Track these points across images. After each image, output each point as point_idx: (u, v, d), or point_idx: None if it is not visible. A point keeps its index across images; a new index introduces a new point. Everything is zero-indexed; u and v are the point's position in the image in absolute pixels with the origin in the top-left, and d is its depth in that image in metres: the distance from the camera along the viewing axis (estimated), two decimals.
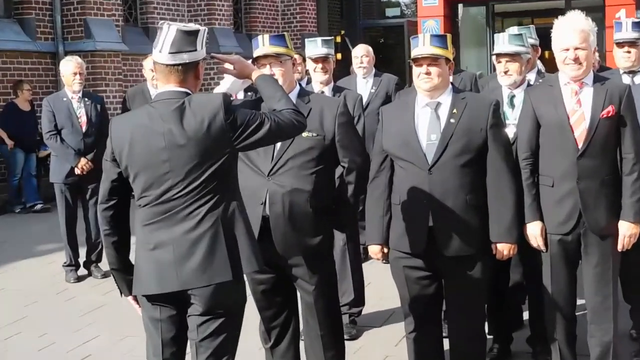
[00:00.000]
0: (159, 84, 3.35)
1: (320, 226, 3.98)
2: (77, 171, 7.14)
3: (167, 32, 3.21)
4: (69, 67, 7.21)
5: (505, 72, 4.70)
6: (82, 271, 7.38)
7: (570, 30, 3.92)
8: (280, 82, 3.86)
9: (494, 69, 5.38)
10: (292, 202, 3.84)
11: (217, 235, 3.18)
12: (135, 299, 3.39)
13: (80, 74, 7.22)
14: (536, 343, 4.76)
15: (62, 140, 7.15)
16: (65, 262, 7.35)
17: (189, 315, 3.23)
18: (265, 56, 4.02)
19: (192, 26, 3.29)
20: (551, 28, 4.10)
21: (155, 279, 3.20)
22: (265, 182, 3.86)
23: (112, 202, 3.33)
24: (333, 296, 4.18)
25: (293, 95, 4.00)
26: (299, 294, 4.12)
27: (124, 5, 14.50)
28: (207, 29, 3.52)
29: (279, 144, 3.80)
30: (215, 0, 15.72)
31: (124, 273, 3.40)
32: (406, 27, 19.71)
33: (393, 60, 19.74)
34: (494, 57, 4.86)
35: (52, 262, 7.81)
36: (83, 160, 7.14)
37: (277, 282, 4.04)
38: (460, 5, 18.36)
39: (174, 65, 3.21)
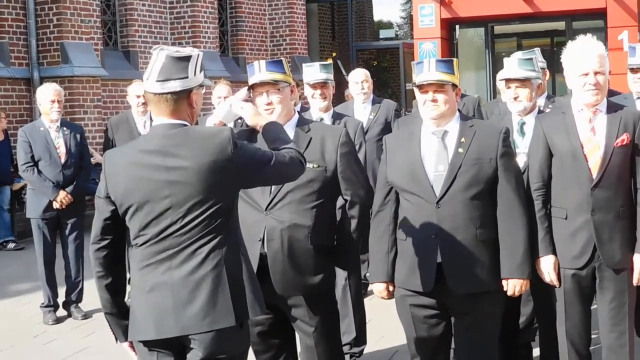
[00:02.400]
0: (153, 115, 3.34)
1: (322, 264, 4.00)
2: (56, 205, 7.11)
3: (157, 59, 3.18)
4: (47, 95, 7.19)
5: (515, 98, 4.76)
6: (61, 312, 7.34)
7: (589, 54, 3.97)
8: (278, 110, 3.94)
9: (494, 93, 5.46)
10: (291, 238, 3.86)
11: (220, 277, 3.14)
12: (132, 344, 3.36)
13: (58, 101, 7.19)
14: None
15: (39, 172, 7.12)
16: (43, 303, 7.30)
17: None
18: (262, 84, 4.01)
19: (185, 51, 3.23)
20: (550, 49, 4.15)
21: (153, 324, 3.16)
22: (263, 217, 3.87)
23: (105, 242, 3.27)
24: (335, 337, 4.19)
25: (292, 124, 4.04)
26: (297, 336, 4.13)
27: (104, 28, 14.59)
28: (202, 53, 3.36)
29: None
30: (200, 23, 15.76)
31: (119, 318, 3.36)
32: (402, 49, 19.82)
33: (388, 83, 19.93)
34: (501, 83, 4.90)
35: (28, 303, 7.76)
36: (62, 194, 7.11)
37: (274, 323, 4.06)
38: (457, 27, 18.55)
39: (162, 94, 3.16)
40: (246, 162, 3.19)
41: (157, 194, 3.13)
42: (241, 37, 17.77)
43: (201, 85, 3.30)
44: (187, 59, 3.19)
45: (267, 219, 3.87)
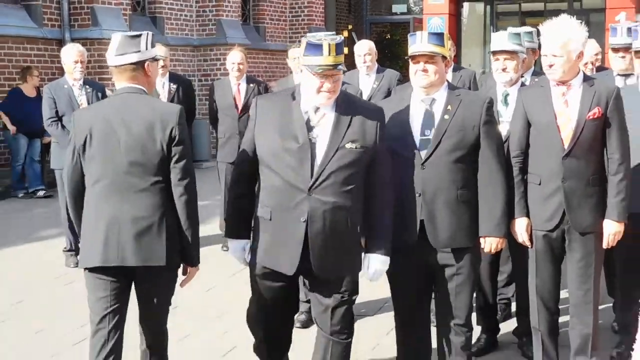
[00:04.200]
0: (116, 82, 3.75)
1: (358, 246, 3.85)
2: None
3: (116, 39, 3.66)
4: (71, 55, 7.21)
5: (503, 70, 4.76)
6: None
7: (551, 37, 3.99)
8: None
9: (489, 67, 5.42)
10: (333, 219, 3.60)
11: (161, 224, 3.59)
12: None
13: (81, 62, 7.20)
14: (522, 334, 4.86)
15: (63, 127, 7.13)
16: (65, 247, 7.39)
17: None
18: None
19: (136, 32, 3.72)
20: None
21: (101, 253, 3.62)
22: (306, 198, 3.56)
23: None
24: (352, 303, 4.10)
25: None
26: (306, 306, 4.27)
27: None
28: (151, 33, 3.78)
29: (319, 157, 3.56)
30: None
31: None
32: (412, 23, 19.79)
33: (399, 56, 19.82)
34: (491, 55, 4.90)
35: (53, 247, 7.86)
36: None
37: (287, 294, 3.91)
38: (465, 4, 18.42)
39: (122, 65, 3.63)
40: (178, 145, 3.59)
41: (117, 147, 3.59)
42: (262, 7, 17.75)
43: (155, 59, 3.76)
44: (138, 36, 3.66)
45: (310, 200, 3.57)
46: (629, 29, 5.00)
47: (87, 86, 7.34)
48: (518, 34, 4.85)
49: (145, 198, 3.57)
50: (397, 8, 21.42)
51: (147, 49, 3.65)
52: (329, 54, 3.54)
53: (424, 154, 3.90)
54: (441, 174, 3.88)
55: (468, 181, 3.91)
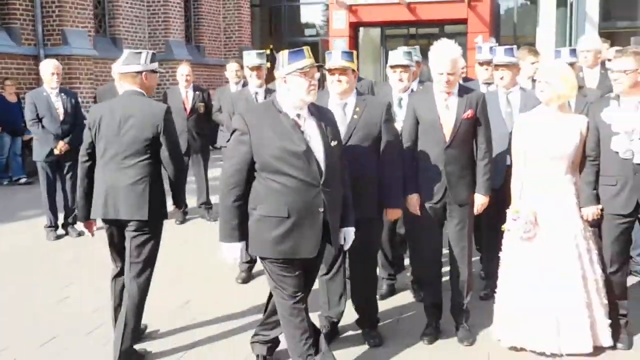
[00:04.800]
0: (123, 85, 4.05)
1: None
2: (56, 152, 6.96)
3: (124, 54, 3.99)
4: (48, 68, 6.98)
5: (399, 80, 4.82)
6: (60, 232, 7.24)
7: (443, 58, 3.92)
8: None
9: (385, 78, 5.43)
10: (338, 204, 3.49)
11: (145, 187, 3.83)
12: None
13: (57, 74, 6.99)
14: (414, 282, 4.94)
15: (43, 127, 6.94)
16: (46, 224, 7.20)
17: None
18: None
19: (140, 50, 4.01)
20: (427, 48, 4.12)
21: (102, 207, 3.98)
22: (320, 191, 3.32)
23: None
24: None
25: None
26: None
27: (95, 18, 14.09)
28: (151, 51, 4.06)
29: (319, 155, 3.34)
30: (170, 18, 15.43)
31: None
32: (320, 44, 19.85)
33: None
34: (389, 68, 4.92)
35: (35, 225, 7.61)
36: (61, 143, 6.96)
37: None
38: (362, 29, 18.62)
39: (127, 72, 3.93)
40: (165, 135, 3.84)
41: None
42: (201, 30, 17.44)
43: (153, 71, 4.00)
44: (139, 53, 3.97)
45: (322, 193, 3.32)
46: (490, 48, 5.14)
47: (62, 94, 7.11)
48: (410, 52, 4.90)
49: (135, 170, 3.83)
50: (308, 32, 21.49)
51: (146, 63, 3.94)
52: (309, 57, 3.38)
53: None
54: (354, 159, 3.84)
55: (373, 165, 3.95)
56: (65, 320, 4.67)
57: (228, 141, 5.26)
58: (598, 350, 3.88)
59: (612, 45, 6.01)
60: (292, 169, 3.27)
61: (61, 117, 7.01)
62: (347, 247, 3.67)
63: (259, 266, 5.52)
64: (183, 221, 7.71)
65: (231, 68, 7.26)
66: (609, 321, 3.93)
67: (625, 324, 4.03)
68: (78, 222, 4.70)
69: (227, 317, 4.65)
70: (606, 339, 3.91)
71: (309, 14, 21.90)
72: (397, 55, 4.86)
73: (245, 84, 6.60)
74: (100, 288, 5.28)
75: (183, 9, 16.23)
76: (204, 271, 5.71)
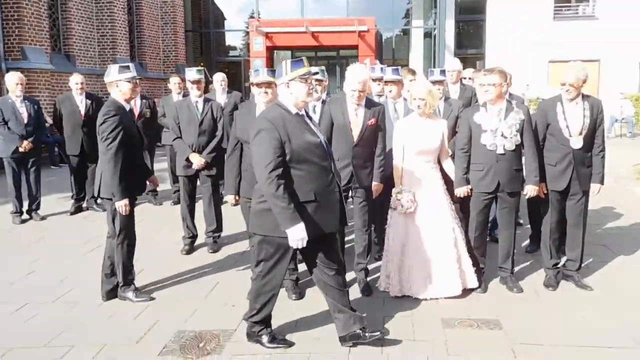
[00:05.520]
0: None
1: None
2: (21, 149, 6.59)
3: (110, 67, 4.05)
4: (13, 79, 6.61)
5: (315, 91, 4.77)
6: (25, 217, 6.78)
7: (357, 78, 3.94)
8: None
9: None
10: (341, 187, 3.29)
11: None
12: None
13: (21, 84, 6.62)
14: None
15: (9, 128, 6.56)
16: (12, 210, 6.75)
17: None
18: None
19: (127, 64, 4.08)
20: (327, 68, 4.15)
21: None
22: (334, 175, 3.17)
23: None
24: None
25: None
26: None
27: (51, 38, 13.12)
28: (133, 64, 4.08)
29: (328, 146, 3.18)
30: (117, 39, 14.68)
31: None
32: (243, 62, 19.60)
33: (234, 84, 19.56)
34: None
35: (2, 212, 7.07)
36: (26, 142, 6.58)
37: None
38: (276, 51, 18.53)
39: (109, 82, 4.05)
40: (100, 127, 3.90)
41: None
42: (144, 50, 16.71)
43: (128, 82, 4.01)
44: (127, 67, 4.01)
45: (335, 176, 3.17)
46: (382, 68, 5.22)
47: (26, 101, 6.71)
48: (323, 70, 4.95)
49: (100, 158, 3.94)
50: (232, 53, 21.15)
51: (114, 74, 4.00)
52: (308, 65, 3.16)
53: None
54: None
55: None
56: (34, 290, 4.38)
57: (174, 140, 5.25)
58: (465, 292, 4.07)
59: (464, 67, 6.29)
60: (315, 157, 3.04)
61: (25, 120, 6.64)
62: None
63: (199, 240, 5.46)
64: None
65: (174, 81, 7.13)
66: (474, 269, 4.12)
67: (482, 274, 4.26)
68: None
69: (176, 282, 4.53)
70: (473, 282, 4.11)
71: (233, 38, 21.60)
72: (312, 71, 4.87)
73: (185, 95, 6.43)
74: (63, 263, 5.03)
75: (128, 32, 15.51)
76: (150, 245, 5.53)
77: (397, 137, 4.11)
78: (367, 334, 3.25)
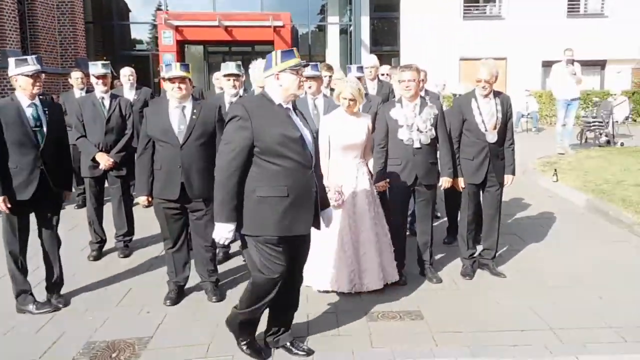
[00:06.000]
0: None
1: None
2: None
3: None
4: None
5: (233, 87, 4.84)
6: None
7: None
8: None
9: (209, 86, 5.33)
10: (322, 188, 3.21)
11: None
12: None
13: None
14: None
15: None
16: None
17: None
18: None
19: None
20: (242, 63, 4.12)
21: None
22: (312, 173, 3.01)
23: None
24: None
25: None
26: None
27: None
28: (33, 57, 3.87)
29: (310, 143, 3.00)
30: (6, 30, 13.57)
31: None
32: (151, 57, 18.85)
33: (142, 79, 18.78)
34: (222, 77, 4.90)
35: None
36: None
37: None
38: (187, 45, 18.02)
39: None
40: None
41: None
42: (38, 42, 15.60)
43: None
44: (25, 60, 3.85)
45: (313, 175, 3.01)
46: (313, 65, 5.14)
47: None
48: (239, 65, 4.95)
49: None
50: (139, 46, 20.23)
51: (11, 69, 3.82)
52: (298, 57, 3.00)
53: (181, 140, 3.83)
54: (194, 153, 3.84)
55: (212, 157, 3.79)
56: None
57: (78, 139, 4.94)
58: (387, 286, 4.16)
59: (380, 64, 6.43)
60: (291, 152, 2.90)
61: None
62: (328, 225, 3.25)
63: (108, 245, 5.16)
64: None
65: (76, 76, 6.72)
66: (396, 262, 4.22)
67: (403, 266, 4.36)
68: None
69: (84, 290, 4.26)
70: (394, 276, 4.20)
71: (138, 31, 20.67)
72: (231, 67, 4.88)
73: (89, 90, 6.06)
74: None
75: (18, 22, 14.38)
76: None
77: (322, 133, 4.14)
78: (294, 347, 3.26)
